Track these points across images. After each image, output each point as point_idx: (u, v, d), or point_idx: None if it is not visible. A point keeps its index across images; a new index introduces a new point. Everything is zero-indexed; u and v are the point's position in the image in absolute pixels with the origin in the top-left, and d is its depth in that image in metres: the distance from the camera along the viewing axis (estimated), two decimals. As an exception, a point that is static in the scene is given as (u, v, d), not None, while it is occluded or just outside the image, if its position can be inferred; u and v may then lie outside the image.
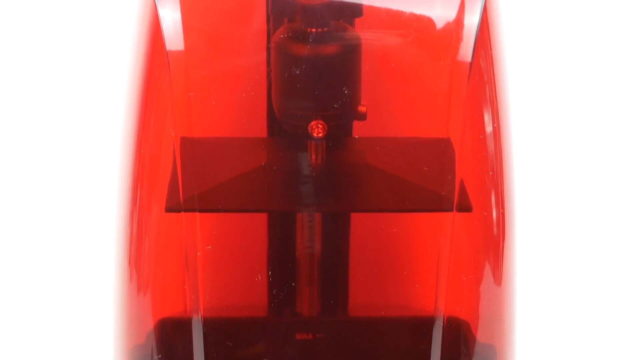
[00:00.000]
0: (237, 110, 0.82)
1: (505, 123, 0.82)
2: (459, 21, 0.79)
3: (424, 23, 0.79)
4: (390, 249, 0.85)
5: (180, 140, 0.79)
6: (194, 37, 0.79)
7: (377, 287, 0.86)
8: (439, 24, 0.79)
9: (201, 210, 0.80)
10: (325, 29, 0.78)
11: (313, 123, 0.79)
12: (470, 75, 0.79)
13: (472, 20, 0.79)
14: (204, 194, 0.80)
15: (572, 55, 1.20)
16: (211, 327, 0.82)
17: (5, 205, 1.18)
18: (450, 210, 0.80)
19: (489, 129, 0.81)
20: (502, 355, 0.86)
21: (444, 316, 0.82)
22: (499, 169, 0.82)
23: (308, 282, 0.85)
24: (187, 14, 0.78)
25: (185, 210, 0.80)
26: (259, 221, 0.85)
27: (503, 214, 0.82)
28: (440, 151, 0.80)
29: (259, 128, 0.83)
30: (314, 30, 0.78)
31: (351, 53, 0.79)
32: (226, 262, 0.84)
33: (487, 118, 0.81)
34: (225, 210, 0.82)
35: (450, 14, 0.79)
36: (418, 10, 0.79)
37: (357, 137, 0.83)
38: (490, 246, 0.83)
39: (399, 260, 0.85)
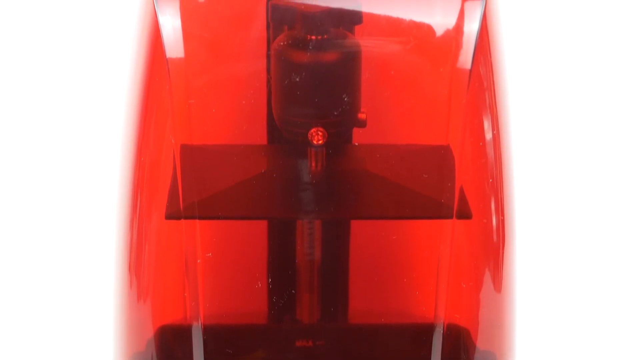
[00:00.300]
0: (237, 117, 0.82)
1: (505, 130, 0.82)
2: (458, 28, 0.79)
3: (423, 30, 0.79)
4: (390, 256, 0.85)
5: (180, 148, 0.80)
6: (194, 44, 0.79)
7: (377, 294, 0.86)
8: (439, 31, 0.79)
9: (201, 218, 0.80)
10: (325, 37, 0.78)
11: (313, 130, 0.79)
12: (470, 83, 0.79)
13: (471, 28, 0.79)
14: (204, 201, 0.80)
15: (572, 62, 1.20)
16: (211, 334, 0.82)
17: (7, 212, 1.18)
18: (450, 217, 0.80)
19: (488, 136, 0.81)
20: (502, 362, 0.86)
21: (444, 323, 0.82)
22: (498, 176, 0.82)
23: (308, 289, 0.85)
24: (187, 21, 0.79)
25: (186, 218, 0.80)
26: (259, 228, 0.85)
27: (503, 221, 0.82)
28: (440, 158, 0.81)
29: (259, 135, 0.83)
30: (313, 37, 0.78)
31: (351, 60, 0.79)
32: (226, 269, 0.84)
33: (486, 125, 0.81)
34: (226, 218, 0.82)
35: (450, 21, 0.79)
36: (418, 18, 0.79)
37: (357, 144, 0.83)
38: (490, 253, 0.83)
39: (398, 268, 0.85)
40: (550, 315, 1.12)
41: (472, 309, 0.84)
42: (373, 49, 0.80)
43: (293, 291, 0.85)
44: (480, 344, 0.84)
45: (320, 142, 0.79)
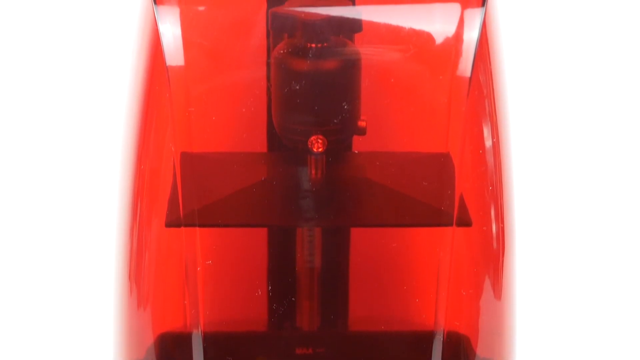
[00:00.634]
0: (237, 125, 0.82)
1: (505, 137, 0.82)
2: (458, 36, 0.79)
3: (423, 38, 0.79)
4: (390, 263, 0.85)
5: (180, 155, 0.80)
6: (194, 52, 0.79)
7: (377, 301, 0.86)
8: (439, 39, 0.79)
9: (201, 225, 0.80)
10: (325, 45, 0.78)
11: (313, 138, 0.79)
12: (469, 90, 0.79)
13: (471, 35, 0.79)
14: (204, 208, 0.80)
15: (572, 69, 1.20)
16: (211, 341, 0.82)
17: (7, 219, 1.18)
18: (450, 224, 0.80)
19: (488, 143, 0.81)
20: (502, 369, 0.86)
21: (444, 331, 0.82)
22: (498, 183, 0.82)
23: (308, 296, 0.85)
24: (187, 29, 0.79)
25: (186, 225, 0.80)
26: (259, 236, 0.85)
27: (503, 228, 0.82)
28: (439, 166, 0.81)
29: (259, 143, 0.83)
30: (313, 45, 0.78)
31: (351, 68, 0.79)
32: (226, 276, 0.84)
33: (486, 132, 0.81)
34: (225, 225, 0.82)
35: (450, 29, 0.79)
36: (417, 26, 0.79)
37: (357, 151, 0.83)
38: (490, 260, 0.83)
39: (398, 275, 0.85)
40: (550, 323, 1.12)
41: (472, 316, 0.84)
42: (373, 56, 0.80)
43: (293, 298, 0.85)
44: (480, 351, 0.84)
45: (320, 149, 0.79)
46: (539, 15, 1.19)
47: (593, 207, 1.20)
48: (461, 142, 0.80)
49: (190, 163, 0.80)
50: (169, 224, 0.80)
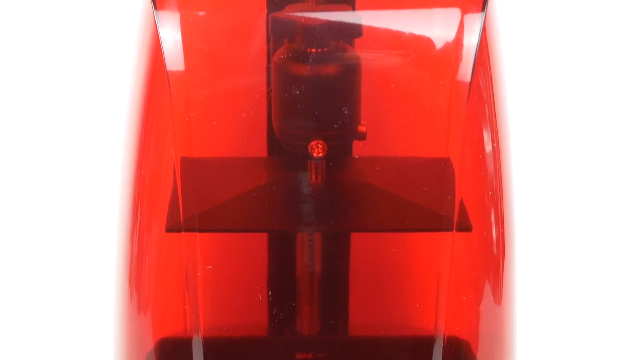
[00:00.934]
0: (238, 130, 0.82)
1: (505, 142, 0.82)
2: (458, 41, 0.79)
3: (423, 43, 0.79)
4: (390, 268, 0.85)
5: (180, 160, 0.80)
6: (195, 57, 0.79)
7: (377, 306, 0.86)
8: (439, 44, 0.79)
9: (201, 230, 0.80)
10: (325, 50, 0.78)
11: (313, 143, 0.79)
12: (469, 95, 0.79)
13: (471, 40, 0.79)
14: (204, 213, 0.80)
15: (572, 73, 1.20)
16: (211, 346, 0.82)
17: (9, 224, 1.18)
18: (450, 229, 0.80)
19: (488, 148, 0.81)
20: (503, 374, 0.86)
21: (444, 336, 0.82)
22: (498, 188, 0.82)
23: (308, 301, 0.85)
24: (187, 34, 0.79)
25: (186, 230, 0.80)
26: (259, 241, 0.85)
27: (503, 233, 0.82)
28: (439, 171, 0.81)
29: (259, 148, 0.83)
30: (313, 50, 0.78)
31: (351, 73, 0.79)
32: (226, 281, 0.84)
33: (486, 137, 0.81)
34: (226, 230, 0.82)
35: (450, 34, 0.79)
36: (417, 31, 0.79)
37: (357, 156, 0.83)
38: (490, 265, 0.83)
39: (399, 280, 0.85)
40: (550, 328, 1.12)
41: (473, 321, 0.84)
42: (373, 61, 0.80)
43: (293, 303, 0.85)
44: (481, 356, 0.84)
45: (320, 154, 0.80)
46: (538, 20, 1.19)
47: (593, 211, 1.20)
48: (461, 147, 0.80)
49: (191, 168, 0.80)
50: (169, 229, 0.80)
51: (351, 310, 0.87)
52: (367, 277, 0.86)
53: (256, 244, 0.85)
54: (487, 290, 0.83)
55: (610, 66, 1.21)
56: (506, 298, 0.84)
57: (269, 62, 0.80)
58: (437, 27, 0.79)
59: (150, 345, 0.84)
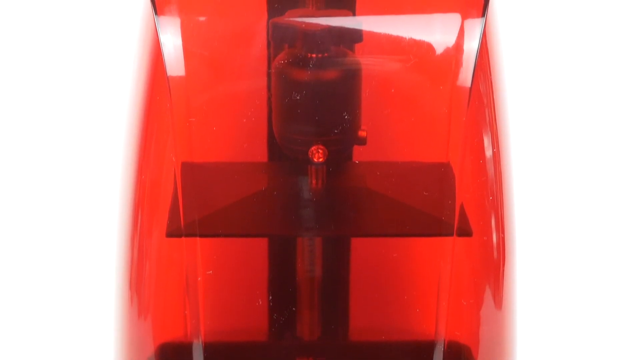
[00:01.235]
0: (238, 135, 0.82)
1: (505, 147, 0.82)
2: (458, 46, 0.79)
3: (423, 48, 0.79)
4: (391, 273, 0.85)
5: (181, 165, 0.80)
6: (195, 62, 0.79)
7: (377, 311, 0.86)
8: (439, 49, 0.80)
9: (202, 235, 0.80)
10: (326, 55, 0.78)
11: (313, 148, 0.79)
12: (470, 100, 0.79)
13: (471, 46, 0.79)
14: (204, 218, 0.80)
15: (572, 79, 1.20)
16: (212, 351, 0.82)
17: (9, 227, 1.18)
18: (451, 234, 0.80)
19: (488, 153, 0.81)
20: (503, 379, 0.86)
21: (444, 340, 0.82)
22: (499, 193, 0.82)
23: (308, 306, 0.85)
24: (188, 39, 0.79)
25: (186, 235, 0.80)
26: (260, 246, 0.85)
27: (503, 238, 0.82)
28: (440, 176, 0.81)
29: (259, 153, 0.83)
30: (314, 55, 0.78)
31: (351, 78, 0.79)
32: (227, 286, 0.84)
33: (487, 142, 0.81)
34: (226, 235, 0.82)
35: (450, 40, 0.79)
36: (418, 36, 0.79)
37: (357, 161, 0.83)
38: (490, 270, 0.83)
39: (399, 285, 0.85)
40: (550, 332, 1.11)
41: (473, 326, 0.84)
42: (373, 67, 0.80)
43: (293, 308, 0.85)
44: (481, 361, 0.84)
45: (320, 159, 0.80)
46: (539, 25, 1.19)
47: (594, 216, 1.20)
48: (461, 151, 0.80)
49: (191, 173, 0.80)
50: (169, 234, 0.80)
51: (351, 315, 0.87)
52: (367, 282, 0.86)
53: (257, 249, 0.85)
54: (488, 295, 0.83)
55: (610, 70, 1.21)
56: (506, 303, 0.84)
57: (269, 67, 0.80)
58: (437, 32, 0.79)
59: (150, 350, 0.84)
